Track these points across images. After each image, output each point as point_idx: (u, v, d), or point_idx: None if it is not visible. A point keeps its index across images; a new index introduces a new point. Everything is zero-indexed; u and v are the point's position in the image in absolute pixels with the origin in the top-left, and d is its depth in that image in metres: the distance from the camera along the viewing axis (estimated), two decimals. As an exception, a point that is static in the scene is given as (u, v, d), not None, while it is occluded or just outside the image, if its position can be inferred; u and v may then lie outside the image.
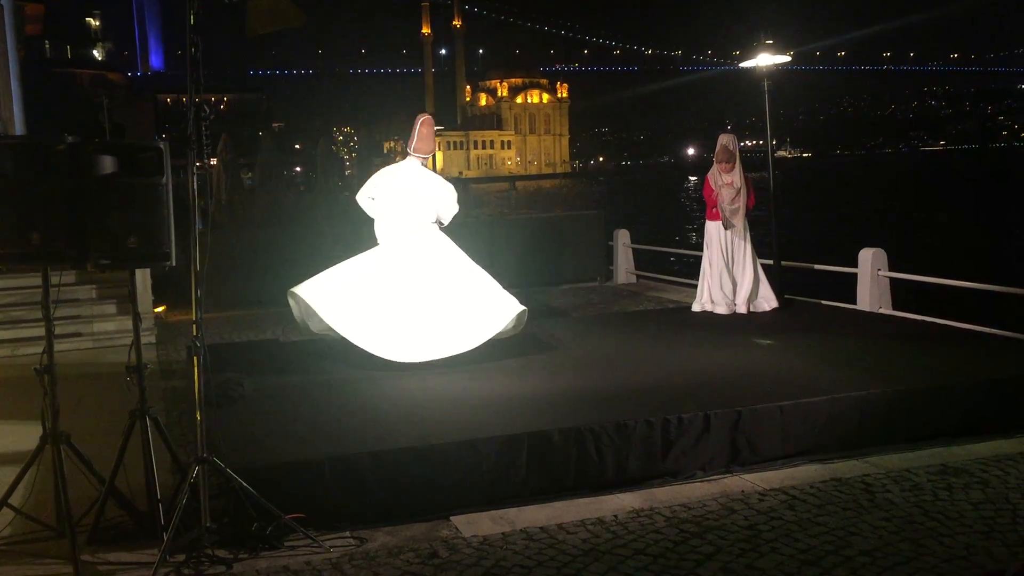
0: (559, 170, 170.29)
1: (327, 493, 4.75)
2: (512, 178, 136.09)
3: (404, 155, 7.68)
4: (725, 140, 9.33)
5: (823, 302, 10.18)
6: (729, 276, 9.23)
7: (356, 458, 4.86)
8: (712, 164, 9.40)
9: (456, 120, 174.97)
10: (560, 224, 15.01)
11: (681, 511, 4.84)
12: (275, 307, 11.98)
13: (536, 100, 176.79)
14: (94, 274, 9.76)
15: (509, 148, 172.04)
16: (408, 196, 7.40)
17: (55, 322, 4.53)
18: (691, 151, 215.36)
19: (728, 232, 9.19)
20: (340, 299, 7.09)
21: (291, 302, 7.35)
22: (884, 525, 4.54)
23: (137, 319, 4.73)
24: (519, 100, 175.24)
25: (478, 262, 7.66)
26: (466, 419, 5.55)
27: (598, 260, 14.55)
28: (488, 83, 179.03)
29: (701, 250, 9.69)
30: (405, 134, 7.66)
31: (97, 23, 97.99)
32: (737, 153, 9.26)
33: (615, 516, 4.80)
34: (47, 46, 79.48)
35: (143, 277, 9.98)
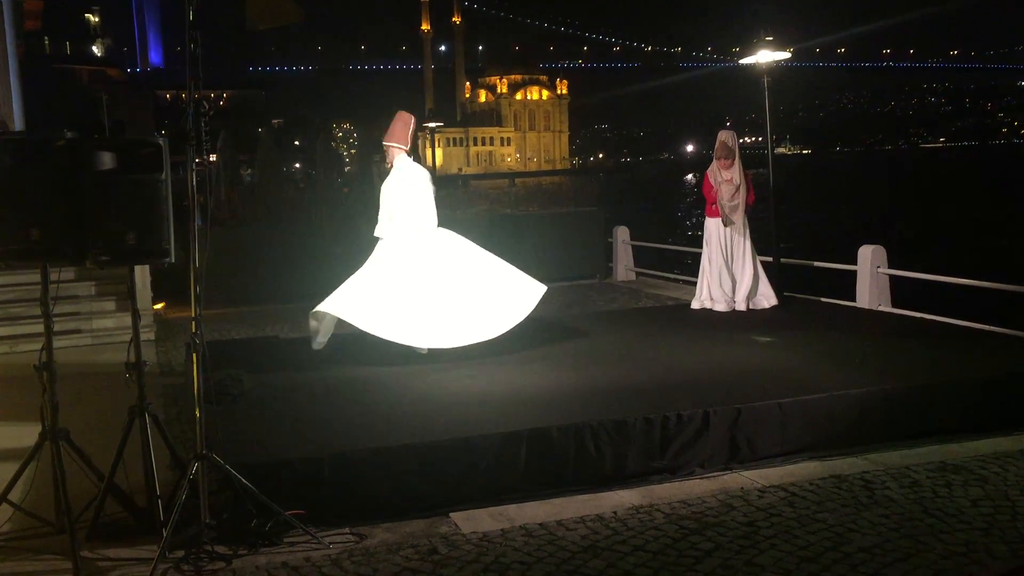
0: (559, 167, 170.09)
1: (327, 489, 4.75)
2: (512, 175, 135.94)
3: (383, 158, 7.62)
4: (724, 137, 9.32)
5: (822, 299, 10.19)
6: (728, 273, 9.23)
7: (355, 454, 4.87)
8: (711, 161, 9.40)
9: (456, 117, 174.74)
10: (560, 221, 15.02)
11: (680, 508, 4.84)
12: (274, 304, 12.02)
13: (536, 97, 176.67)
14: (93, 271, 9.82)
15: (509, 145, 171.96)
16: (395, 200, 7.36)
17: (54, 319, 4.53)
18: (690, 148, 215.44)
19: (728, 229, 9.19)
20: (366, 302, 7.03)
21: (311, 321, 7.36)
22: (883, 522, 4.55)
23: (136, 316, 4.73)
24: (519, 97, 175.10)
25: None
26: (465, 416, 5.55)
27: (597, 257, 14.55)
28: (488, 79, 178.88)
29: (700, 247, 9.69)
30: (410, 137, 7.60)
31: (96, 19, 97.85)
32: (736, 149, 9.25)
33: (614, 513, 4.81)
34: (46, 42, 79.40)
35: (142, 274, 9.97)
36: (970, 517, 4.59)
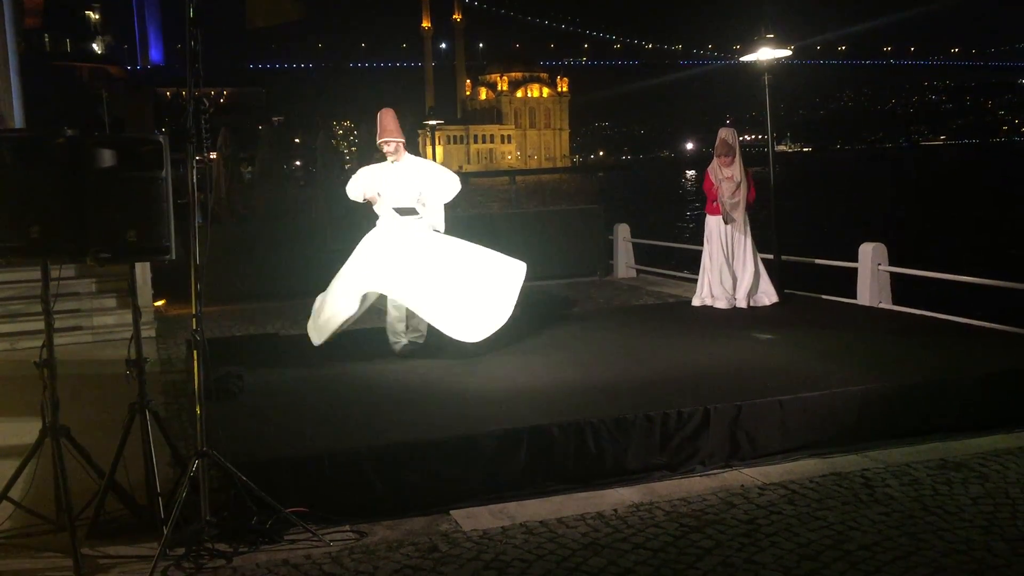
0: (559, 164, 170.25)
1: (327, 487, 4.75)
2: (512, 172, 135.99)
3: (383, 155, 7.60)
4: (725, 134, 9.32)
5: (823, 297, 10.19)
6: (729, 271, 9.23)
7: (356, 452, 4.86)
8: (712, 158, 9.39)
9: (456, 114, 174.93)
10: (560, 218, 15.01)
11: (681, 505, 4.84)
12: (274, 301, 12.02)
13: (536, 94, 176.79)
14: (94, 268, 9.73)
15: (509, 142, 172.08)
16: (387, 189, 7.36)
17: (55, 316, 4.53)
18: (689, 145, 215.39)
19: (728, 226, 9.18)
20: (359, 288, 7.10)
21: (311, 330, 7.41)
22: (883, 520, 4.55)
23: (137, 313, 4.72)
24: (519, 94, 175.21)
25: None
26: (466, 413, 5.55)
27: (598, 254, 14.54)
28: (488, 77, 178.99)
29: (701, 244, 9.69)
30: (404, 131, 7.57)
31: (97, 16, 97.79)
32: (737, 147, 9.25)
33: (615, 510, 4.80)
34: (46, 39, 79.43)
35: (143, 271, 9.97)
36: (970, 515, 4.58)
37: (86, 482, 4.67)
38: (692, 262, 12.93)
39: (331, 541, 4.46)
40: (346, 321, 7.20)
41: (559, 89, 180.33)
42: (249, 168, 20.90)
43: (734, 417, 5.49)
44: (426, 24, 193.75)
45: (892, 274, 9.99)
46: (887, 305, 9.75)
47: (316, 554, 4.34)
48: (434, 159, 39.84)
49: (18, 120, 16.06)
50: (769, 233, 10.03)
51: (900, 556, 4.12)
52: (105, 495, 4.55)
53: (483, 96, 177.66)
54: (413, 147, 7.53)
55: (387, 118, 7.38)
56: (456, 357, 7.02)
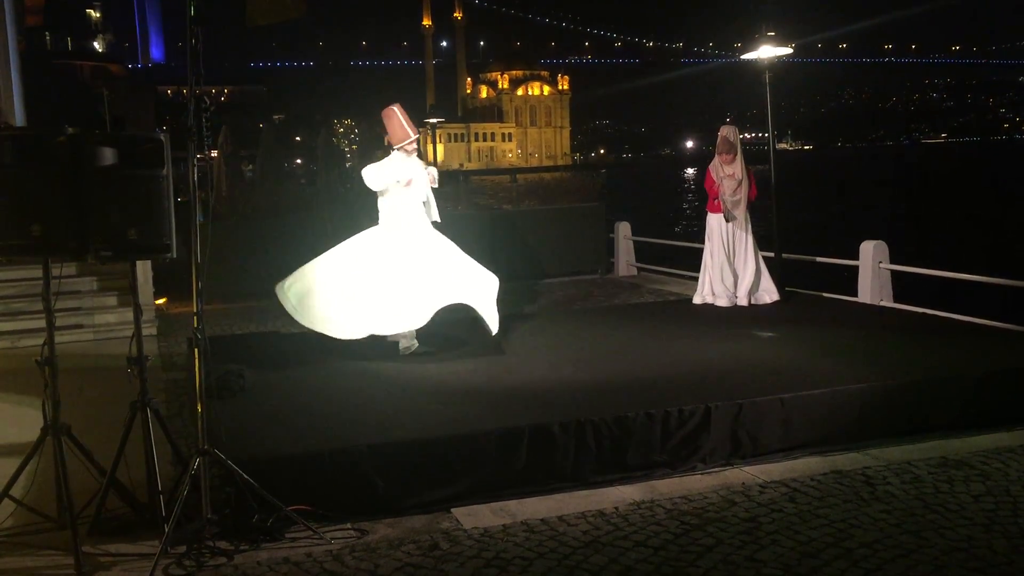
0: (560, 162, 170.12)
1: (328, 485, 4.75)
2: (513, 170, 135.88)
3: (387, 152, 7.61)
4: (726, 132, 9.31)
5: (824, 295, 10.19)
6: (730, 268, 9.23)
7: (357, 450, 4.86)
8: (714, 156, 9.39)
9: (457, 112, 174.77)
10: (561, 216, 15.00)
11: (682, 503, 4.84)
12: (276, 299, 12.00)
13: (537, 92, 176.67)
14: (95, 266, 9.80)
15: (510, 140, 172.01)
16: (402, 189, 7.37)
17: (56, 314, 4.53)
18: (689, 143, 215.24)
19: (729, 224, 9.18)
20: (320, 301, 7.15)
21: (280, 299, 7.44)
22: (884, 517, 4.55)
23: (138, 311, 4.73)
24: (520, 92, 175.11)
25: (479, 254, 7.66)
26: (467, 411, 5.55)
27: (599, 252, 14.54)
28: (489, 75, 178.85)
29: (702, 242, 9.68)
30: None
31: (98, 14, 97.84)
32: (738, 144, 9.24)
33: (616, 508, 4.80)
34: (47, 38, 79.38)
35: (144, 269, 9.97)
36: (971, 513, 4.58)
37: (87, 480, 4.67)
38: (692, 259, 12.93)
39: (332, 539, 4.47)
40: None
41: (560, 87, 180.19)
42: (250, 166, 20.92)
43: (735, 415, 5.49)
44: (427, 22, 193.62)
45: (893, 272, 9.99)
46: (888, 303, 9.75)
47: (317, 552, 4.34)
48: (435, 158, 39.83)
49: (19, 118, 16.06)
50: (770, 230, 10.03)
51: (901, 554, 4.12)
52: (106, 493, 4.55)
53: (484, 94, 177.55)
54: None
55: (400, 117, 7.44)
56: (457, 356, 7.02)
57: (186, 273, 4.53)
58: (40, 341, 4.54)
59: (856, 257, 10.16)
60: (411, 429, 5.17)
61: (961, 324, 8.28)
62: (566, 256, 14.21)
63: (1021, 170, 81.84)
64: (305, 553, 4.33)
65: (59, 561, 4.26)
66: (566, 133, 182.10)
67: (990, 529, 4.38)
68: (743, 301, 9.18)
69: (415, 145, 7.48)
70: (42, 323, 4.58)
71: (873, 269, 9.89)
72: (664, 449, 5.35)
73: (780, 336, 7.62)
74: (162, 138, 4.45)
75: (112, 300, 10.52)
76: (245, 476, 4.45)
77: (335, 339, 7.10)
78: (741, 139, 9.43)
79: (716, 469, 5.36)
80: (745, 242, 9.20)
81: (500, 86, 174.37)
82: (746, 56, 10.54)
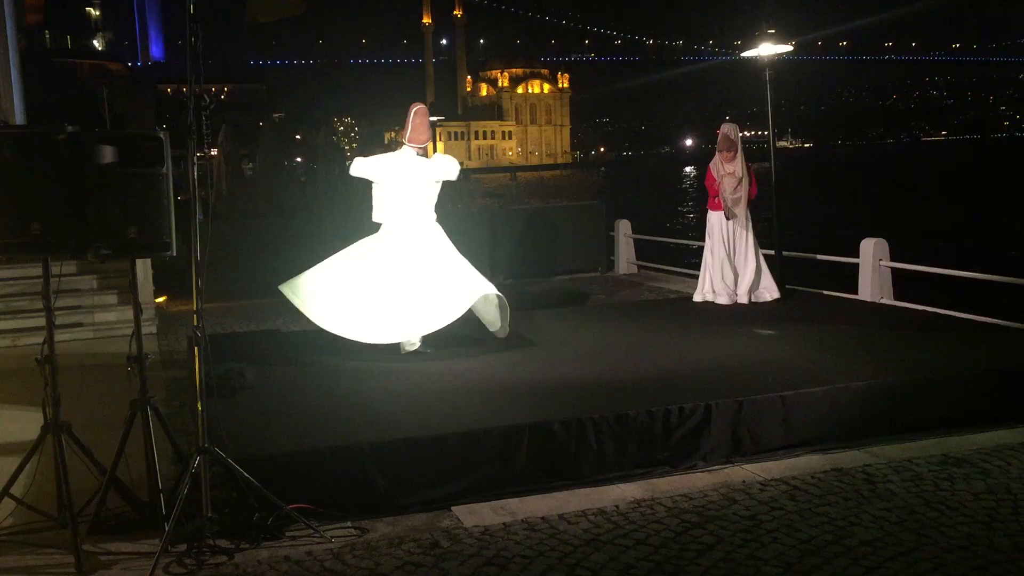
0: (560, 160, 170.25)
1: (328, 483, 4.75)
2: (513, 168, 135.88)
3: (399, 145, 7.57)
4: (727, 129, 9.31)
5: (825, 292, 10.18)
6: (731, 266, 9.22)
7: (357, 448, 4.86)
8: (714, 154, 9.38)
9: (457, 110, 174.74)
10: (561, 214, 15.00)
11: (682, 501, 4.84)
12: (276, 297, 11.90)
13: (537, 90, 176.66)
14: (95, 264, 9.81)
15: (510, 138, 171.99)
16: (406, 187, 7.34)
17: (56, 312, 4.53)
18: (689, 141, 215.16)
19: (730, 222, 9.18)
20: (325, 296, 7.11)
21: (286, 294, 7.39)
22: (885, 515, 4.54)
23: (138, 309, 4.73)
24: (520, 90, 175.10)
25: (479, 253, 7.66)
26: (467, 409, 5.54)
27: (599, 250, 14.54)
28: (489, 73, 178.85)
29: (702, 240, 9.68)
30: (403, 124, 7.56)
31: (97, 13, 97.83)
32: (739, 142, 9.24)
33: (616, 506, 4.80)
34: (47, 36, 79.40)
35: (144, 267, 9.97)
36: (972, 510, 4.58)
37: (88, 479, 4.67)
38: (692, 257, 12.94)
39: (333, 537, 4.46)
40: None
41: (560, 85, 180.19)
42: (250, 164, 20.89)
43: (735, 413, 5.49)
44: (427, 20, 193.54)
45: (894, 270, 9.99)
46: (889, 301, 9.74)
47: (318, 550, 4.34)
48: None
49: (19, 116, 16.06)
50: (770, 228, 10.03)
51: (902, 552, 4.12)
52: (107, 491, 4.54)
53: (484, 92, 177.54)
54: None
55: (427, 119, 7.49)
56: (456, 355, 7.01)
57: (186, 271, 4.52)
58: (40, 339, 4.54)
59: (856, 255, 10.16)
60: (411, 427, 5.16)
61: (962, 322, 8.28)
62: (566, 254, 14.21)
63: (1021, 168, 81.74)
64: (306, 551, 4.33)
65: (59, 560, 4.26)
66: (566, 131, 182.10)
67: (991, 527, 4.38)
68: (743, 299, 9.18)
69: (425, 149, 7.45)
70: (42, 321, 4.58)
71: (873, 267, 9.89)
72: (665, 447, 5.35)
73: (780, 334, 7.62)
74: (162, 136, 4.44)
75: (112, 298, 10.52)
76: (245, 474, 4.45)
77: (336, 337, 7.11)
78: (741, 137, 9.43)
79: (717, 467, 5.35)
80: (746, 240, 9.20)
81: (500, 84, 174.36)
82: (746, 54, 10.54)
